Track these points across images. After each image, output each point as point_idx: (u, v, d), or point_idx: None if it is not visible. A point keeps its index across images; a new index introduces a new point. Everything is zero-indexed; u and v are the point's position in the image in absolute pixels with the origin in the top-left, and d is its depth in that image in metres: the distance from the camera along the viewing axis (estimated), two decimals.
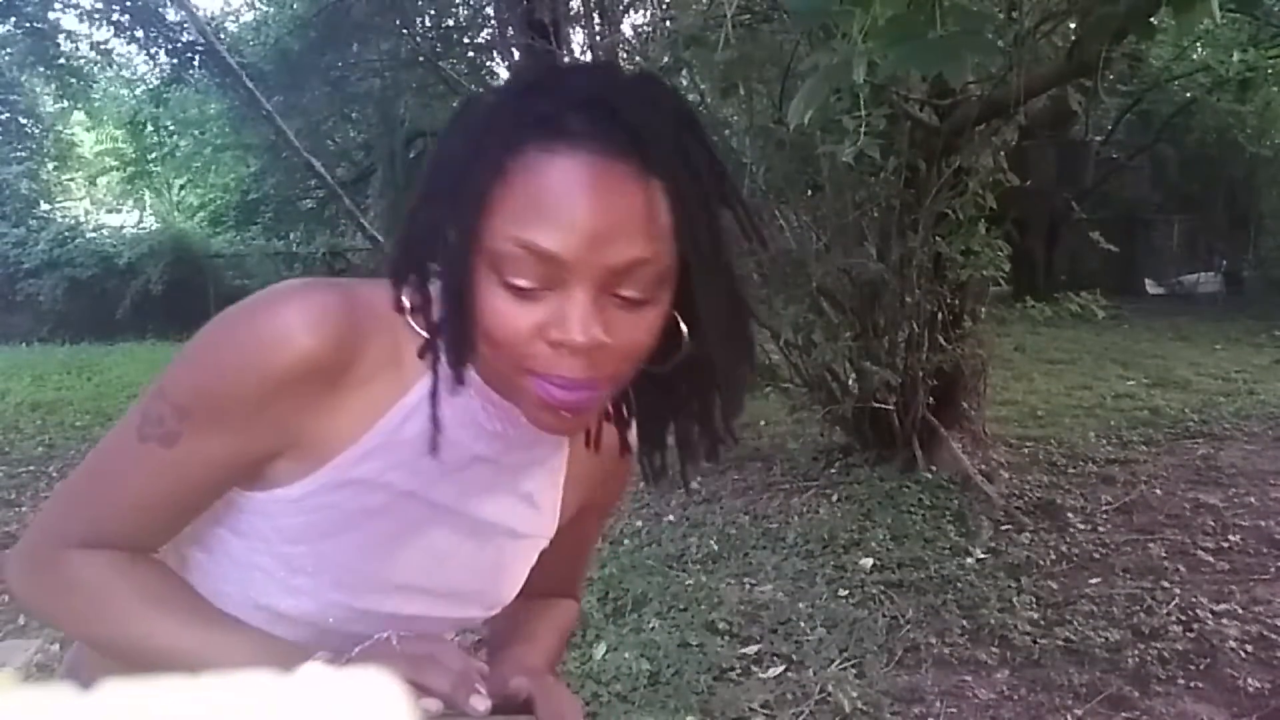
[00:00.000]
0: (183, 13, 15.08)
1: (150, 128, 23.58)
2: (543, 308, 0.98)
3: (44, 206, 23.90)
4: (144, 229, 23.08)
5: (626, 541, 5.82)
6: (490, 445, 1.17)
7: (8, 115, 22.56)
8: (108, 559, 1.13)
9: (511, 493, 1.22)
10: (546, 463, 1.25)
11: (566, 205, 0.96)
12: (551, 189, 0.96)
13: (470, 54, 17.54)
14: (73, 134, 27.78)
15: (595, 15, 12.75)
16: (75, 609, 1.16)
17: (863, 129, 4.53)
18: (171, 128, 23.54)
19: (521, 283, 0.98)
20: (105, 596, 1.13)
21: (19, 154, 22.91)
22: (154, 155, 25.70)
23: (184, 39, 15.95)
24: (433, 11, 16.36)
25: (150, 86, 20.73)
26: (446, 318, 1.03)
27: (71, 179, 29.39)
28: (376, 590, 1.17)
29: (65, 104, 23.54)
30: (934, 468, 6.54)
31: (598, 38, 12.55)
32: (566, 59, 12.43)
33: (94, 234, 21.37)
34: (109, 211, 30.71)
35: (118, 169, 29.22)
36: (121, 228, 23.49)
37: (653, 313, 1.02)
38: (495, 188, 0.97)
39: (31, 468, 8.19)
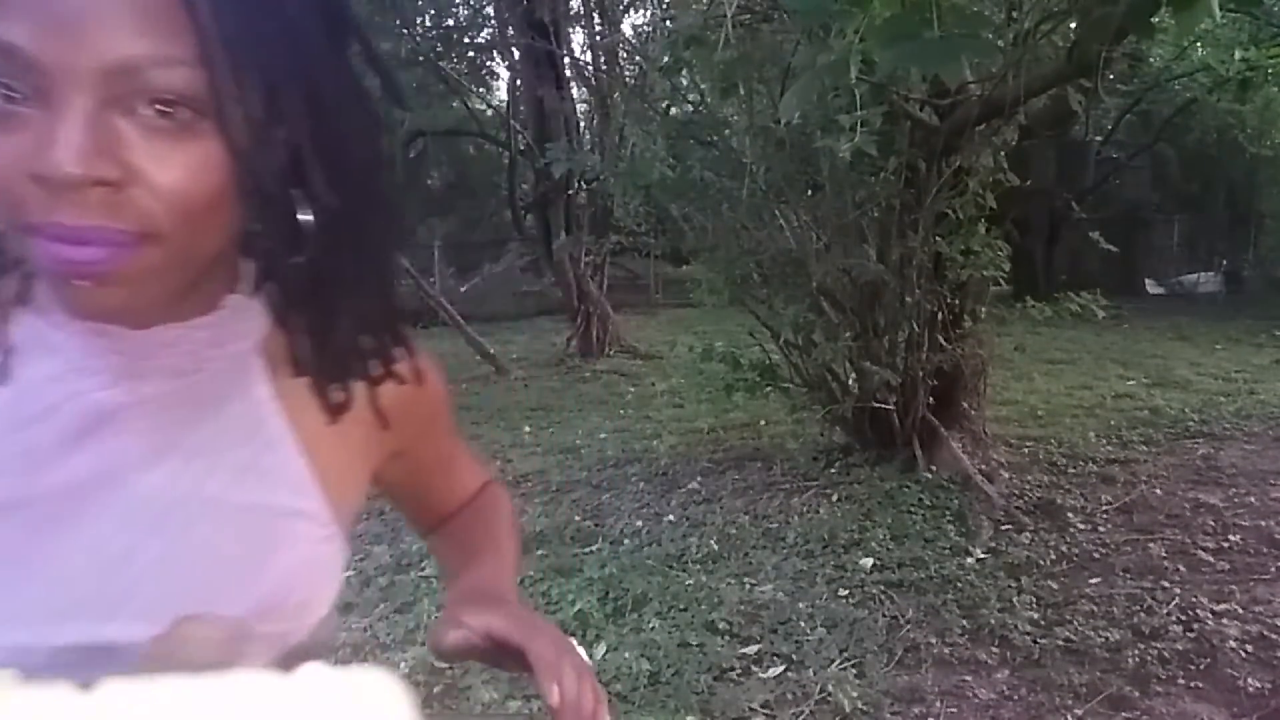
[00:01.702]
0: None
1: None
2: (28, 134, 0.72)
3: None
4: None
5: (626, 541, 5.83)
6: (96, 382, 0.86)
7: None
8: None
9: (190, 452, 0.90)
10: (232, 400, 0.93)
11: None
12: None
13: (470, 54, 17.72)
14: None
15: (595, 15, 12.80)
16: None
17: (859, 127, 4.55)
18: None
19: None
20: None
21: None
22: None
23: None
24: (433, 11, 16.41)
25: None
26: None
27: None
28: (29, 619, 0.83)
29: None
30: (934, 468, 6.55)
31: (598, 37, 12.64)
32: (567, 60, 12.54)
33: None
34: None
35: None
36: None
37: (201, 145, 0.76)
38: None
39: None
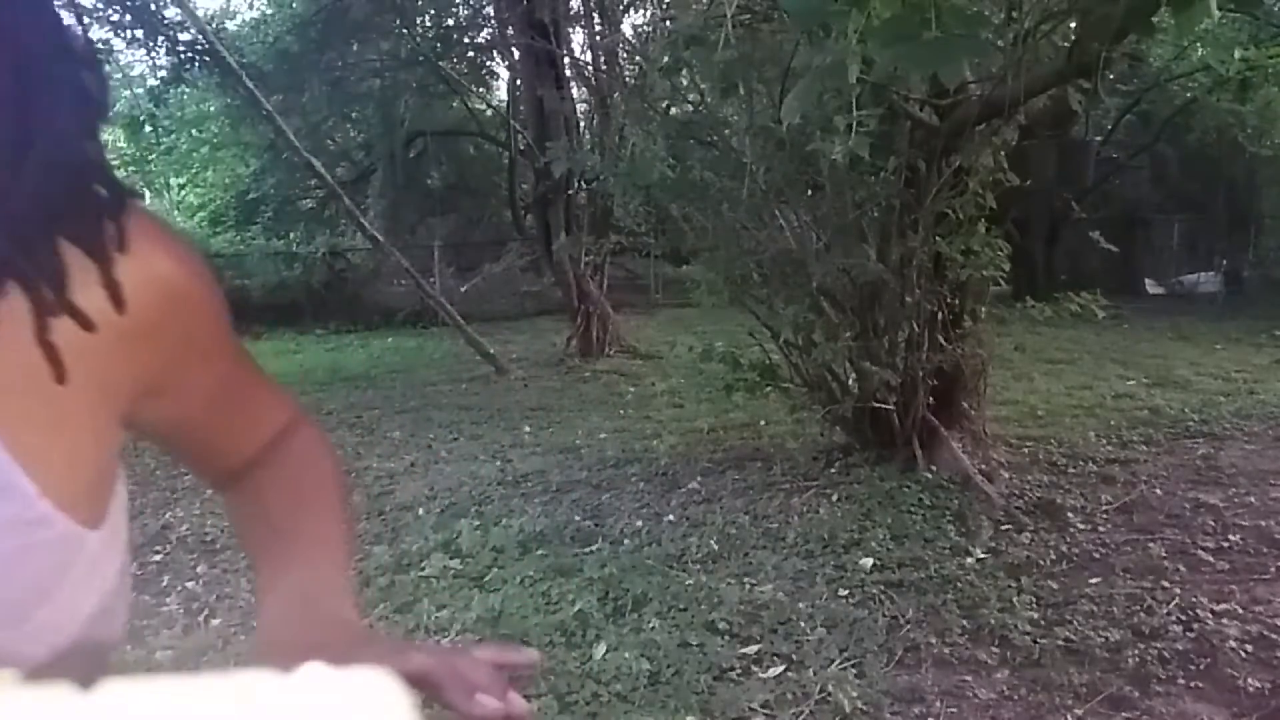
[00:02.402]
0: (181, 12, 15.09)
1: (149, 127, 23.52)
2: None
3: None
4: None
5: (626, 541, 5.85)
6: None
7: None
8: None
9: None
10: None
11: None
12: None
13: (470, 54, 17.70)
14: None
15: (595, 15, 12.80)
16: None
17: (855, 128, 4.56)
18: (170, 126, 23.41)
19: None
20: None
21: None
22: (153, 154, 25.63)
23: (183, 38, 15.86)
24: (433, 11, 16.46)
25: (149, 86, 20.65)
26: None
27: None
28: None
29: None
30: (934, 467, 6.56)
31: (598, 37, 12.65)
32: (567, 59, 12.57)
33: None
34: None
35: (117, 168, 29.21)
36: None
37: None
38: None
39: None
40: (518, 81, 14.89)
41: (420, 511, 6.66)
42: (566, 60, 12.89)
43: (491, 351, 12.44)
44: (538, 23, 12.07)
